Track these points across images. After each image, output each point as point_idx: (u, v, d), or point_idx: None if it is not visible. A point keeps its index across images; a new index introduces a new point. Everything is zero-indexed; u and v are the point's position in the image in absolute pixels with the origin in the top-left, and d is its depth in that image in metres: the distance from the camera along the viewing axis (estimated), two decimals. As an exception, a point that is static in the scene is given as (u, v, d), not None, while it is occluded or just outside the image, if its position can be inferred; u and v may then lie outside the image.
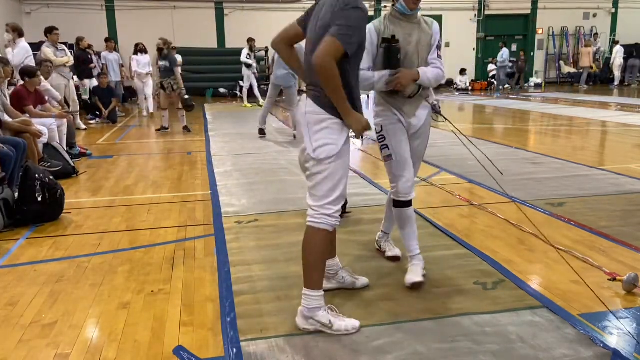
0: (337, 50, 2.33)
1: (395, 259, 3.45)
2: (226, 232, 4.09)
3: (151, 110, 12.65)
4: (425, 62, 3.00)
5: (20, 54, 8.55)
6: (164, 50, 9.77)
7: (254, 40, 14.52)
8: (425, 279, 3.09)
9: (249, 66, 14.39)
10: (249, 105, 14.79)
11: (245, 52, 14.44)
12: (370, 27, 2.92)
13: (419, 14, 3.02)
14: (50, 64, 8.75)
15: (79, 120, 10.38)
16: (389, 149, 3.08)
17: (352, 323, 2.59)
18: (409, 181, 3.09)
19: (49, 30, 9.92)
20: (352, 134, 2.54)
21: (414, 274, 3.07)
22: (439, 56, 3.04)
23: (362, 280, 3.08)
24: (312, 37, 2.51)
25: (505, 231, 4.04)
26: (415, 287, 3.01)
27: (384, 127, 3.08)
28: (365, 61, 2.86)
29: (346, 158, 2.54)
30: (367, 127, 2.54)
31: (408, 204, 3.13)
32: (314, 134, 2.48)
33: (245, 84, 14.92)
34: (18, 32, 8.87)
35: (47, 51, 9.59)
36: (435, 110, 3.15)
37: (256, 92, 14.75)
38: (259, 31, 17.81)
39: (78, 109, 10.53)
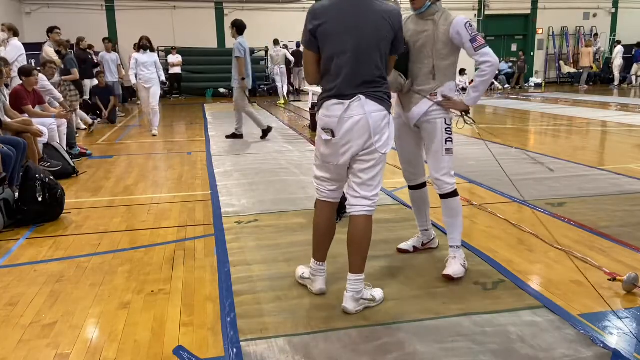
0: None
1: (446, 277, 3.17)
2: (226, 232, 4.09)
3: (155, 130, 9.57)
4: (440, 56, 3.05)
5: (12, 51, 8.57)
6: (62, 52, 9.70)
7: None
8: (424, 250, 3.60)
9: (290, 63, 16.22)
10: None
11: (284, 50, 16.00)
12: None
13: (438, 11, 3.05)
14: (54, 65, 8.77)
15: (79, 120, 10.37)
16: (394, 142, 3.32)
17: (380, 290, 2.92)
18: (407, 172, 3.45)
19: (50, 30, 9.93)
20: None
21: (405, 244, 3.60)
22: (476, 49, 2.95)
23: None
24: (347, 43, 2.63)
25: (505, 231, 4.04)
26: (399, 252, 3.58)
27: (391, 120, 3.22)
28: None
29: None
30: None
31: (412, 187, 3.50)
32: (381, 130, 2.69)
33: (284, 80, 15.96)
34: (13, 32, 8.94)
35: (49, 50, 9.63)
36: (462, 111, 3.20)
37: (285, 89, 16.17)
38: (259, 31, 17.80)
39: (78, 108, 10.52)
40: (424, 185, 3.49)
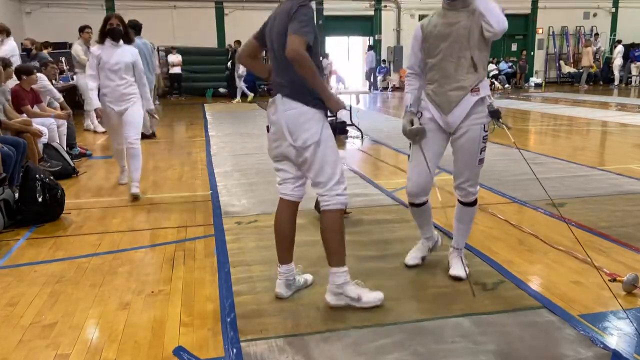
0: (302, 42, 2.55)
1: (455, 278, 3.16)
2: (226, 233, 4.09)
3: (135, 187, 5.19)
4: (479, 47, 2.87)
5: (7, 50, 8.68)
6: (32, 51, 9.44)
7: None
8: (431, 255, 3.39)
9: None
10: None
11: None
12: (417, 25, 3.09)
13: (473, 2, 2.85)
14: (55, 65, 8.82)
15: (97, 122, 10.35)
16: (410, 148, 3.16)
17: (377, 295, 2.82)
18: (416, 186, 3.12)
19: (81, 29, 10.00)
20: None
21: (412, 257, 3.33)
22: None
23: (308, 277, 3.14)
24: (273, 45, 2.74)
25: (505, 232, 4.04)
26: (408, 267, 3.31)
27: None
28: (411, 58, 3.13)
29: (332, 141, 2.76)
30: (343, 106, 2.78)
31: (415, 205, 3.23)
32: (300, 127, 2.67)
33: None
34: (6, 32, 9.05)
35: (78, 49, 9.83)
36: (494, 116, 2.94)
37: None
38: (259, 31, 17.69)
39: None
40: (427, 201, 3.24)
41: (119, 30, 5.04)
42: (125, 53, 5.09)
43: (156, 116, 4.97)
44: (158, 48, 17.99)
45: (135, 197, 5.13)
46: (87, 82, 5.32)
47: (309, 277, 3.14)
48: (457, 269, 3.18)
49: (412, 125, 3.03)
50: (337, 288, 2.77)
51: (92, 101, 5.17)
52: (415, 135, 3.04)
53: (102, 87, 5.11)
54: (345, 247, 2.80)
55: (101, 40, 5.07)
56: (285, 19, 2.62)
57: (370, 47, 20.48)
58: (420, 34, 3.04)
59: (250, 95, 16.33)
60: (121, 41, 5.07)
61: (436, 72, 2.99)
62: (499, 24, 2.76)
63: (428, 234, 3.38)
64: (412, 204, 3.25)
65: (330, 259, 2.79)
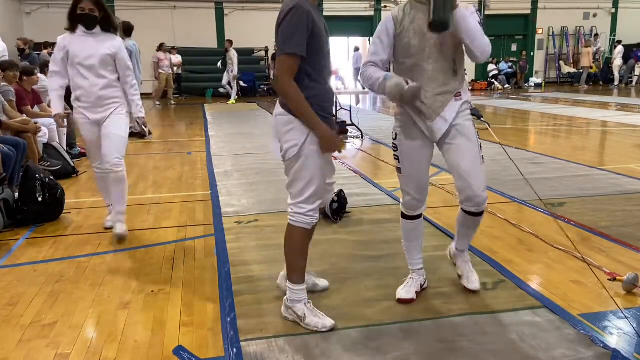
0: (289, 64, 2.40)
1: (469, 290, 2.99)
2: (226, 232, 4.09)
3: (121, 227, 4.01)
4: (460, 51, 2.63)
5: None
6: (25, 51, 9.36)
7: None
8: (422, 291, 2.98)
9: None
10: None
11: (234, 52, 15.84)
12: (387, 16, 2.70)
13: None
14: None
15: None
16: (399, 161, 2.83)
17: (324, 322, 2.61)
18: (414, 200, 2.85)
19: None
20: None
21: (406, 291, 2.91)
22: (480, 24, 2.52)
23: (323, 283, 3.06)
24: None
25: (505, 231, 4.04)
26: (401, 302, 2.86)
27: (398, 134, 2.80)
28: (379, 53, 2.69)
29: (313, 158, 2.53)
30: (335, 149, 2.56)
31: (412, 218, 2.93)
32: (283, 136, 2.54)
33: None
34: None
35: None
36: (475, 114, 2.76)
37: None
38: (259, 31, 17.81)
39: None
40: (421, 214, 2.96)
41: (93, 17, 3.84)
42: (102, 44, 3.89)
43: (147, 128, 4.34)
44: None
45: (120, 238, 3.99)
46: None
47: (322, 282, 3.06)
48: (473, 281, 2.99)
49: (408, 84, 2.55)
50: (290, 303, 2.67)
51: (53, 105, 4.12)
52: (411, 96, 2.59)
53: (73, 88, 3.97)
54: (303, 266, 2.67)
55: (71, 28, 3.89)
56: (277, 23, 2.47)
57: (357, 49, 20.81)
58: (392, 28, 2.65)
59: (232, 100, 16.04)
60: (98, 28, 3.89)
61: (415, 74, 2.63)
62: (483, 54, 2.53)
63: (418, 264, 3.00)
64: (406, 217, 2.94)
65: (288, 273, 2.69)
